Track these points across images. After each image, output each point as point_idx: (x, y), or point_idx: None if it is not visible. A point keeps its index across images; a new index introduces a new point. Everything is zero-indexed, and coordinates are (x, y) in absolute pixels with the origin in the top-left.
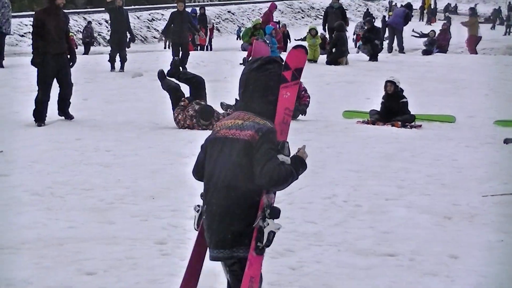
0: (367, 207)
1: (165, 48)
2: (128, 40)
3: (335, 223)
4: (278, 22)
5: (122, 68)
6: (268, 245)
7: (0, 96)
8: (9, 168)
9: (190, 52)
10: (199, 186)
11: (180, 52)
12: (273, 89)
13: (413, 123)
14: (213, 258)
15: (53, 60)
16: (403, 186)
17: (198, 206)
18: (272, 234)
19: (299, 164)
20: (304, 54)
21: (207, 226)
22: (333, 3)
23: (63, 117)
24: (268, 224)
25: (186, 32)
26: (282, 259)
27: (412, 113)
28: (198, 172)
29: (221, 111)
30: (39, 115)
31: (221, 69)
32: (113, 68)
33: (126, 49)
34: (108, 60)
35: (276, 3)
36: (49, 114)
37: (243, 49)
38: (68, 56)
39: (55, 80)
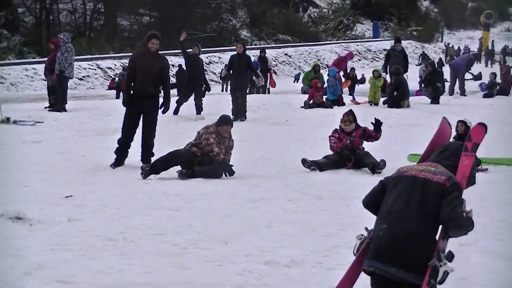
0: None
1: (222, 91)
2: (203, 89)
3: None
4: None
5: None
6: (441, 282)
7: (66, 140)
8: (80, 213)
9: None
10: (270, 232)
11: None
12: (457, 158)
13: (479, 167)
14: (383, 272)
15: (138, 103)
16: (476, 231)
17: (361, 235)
18: (446, 274)
19: (471, 221)
20: (484, 132)
21: (387, 246)
22: (395, 46)
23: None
24: (445, 264)
25: (246, 76)
26: None
27: (478, 156)
28: (372, 202)
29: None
30: (116, 157)
31: (282, 112)
32: (176, 112)
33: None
34: (176, 102)
35: (332, 45)
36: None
37: (303, 92)
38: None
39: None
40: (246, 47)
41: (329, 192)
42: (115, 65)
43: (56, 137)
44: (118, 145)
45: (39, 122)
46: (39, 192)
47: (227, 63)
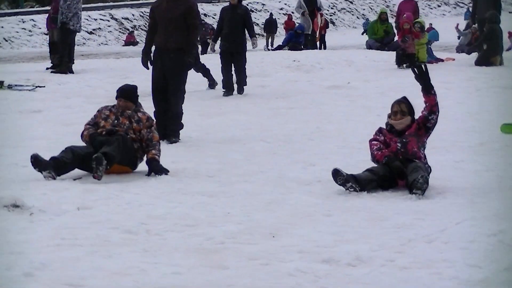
0: None
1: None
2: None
3: (505, 267)
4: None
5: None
6: None
7: (73, 108)
8: (92, 199)
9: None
10: (329, 222)
11: (233, 66)
12: None
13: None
14: None
15: (160, 60)
16: None
17: None
18: None
19: None
20: None
21: None
22: None
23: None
24: None
25: (240, 36)
26: None
27: None
28: None
29: None
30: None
31: (342, 73)
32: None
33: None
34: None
35: None
36: None
37: (369, 47)
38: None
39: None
40: None
41: None
42: (133, 15)
43: (61, 106)
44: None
45: (39, 86)
46: (41, 174)
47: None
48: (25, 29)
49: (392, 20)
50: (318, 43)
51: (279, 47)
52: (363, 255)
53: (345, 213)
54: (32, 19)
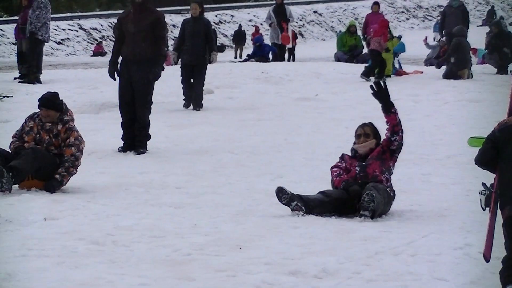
0: None
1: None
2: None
3: (471, 280)
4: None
5: None
6: None
7: None
8: (59, 210)
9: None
10: (296, 234)
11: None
12: None
13: None
14: None
15: (126, 70)
16: None
17: (484, 190)
18: None
19: None
20: None
21: None
22: (451, 2)
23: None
24: None
25: (202, 49)
26: None
27: None
28: (487, 161)
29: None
30: (123, 143)
31: (311, 85)
32: None
33: None
34: None
35: (371, 0)
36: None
37: (337, 59)
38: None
39: None
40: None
41: None
42: (101, 25)
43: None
44: (122, 130)
45: (7, 96)
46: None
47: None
48: None
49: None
50: (286, 55)
51: (247, 59)
52: (330, 267)
53: (312, 225)
54: (0, 29)
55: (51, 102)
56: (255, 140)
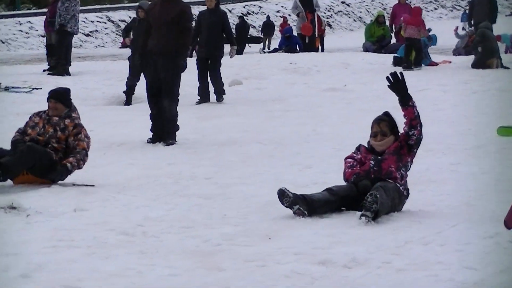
0: None
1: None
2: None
3: (501, 269)
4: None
5: None
6: None
7: None
8: (89, 201)
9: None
10: (325, 224)
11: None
12: None
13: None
14: None
15: (153, 63)
16: None
17: None
18: None
19: None
20: None
21: None
22: None
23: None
24: None
25: (217, 42)
26: None
27: None
28: None
29: None
30: (152, 134)
31: (339, 75)
32: None
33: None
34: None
35: None
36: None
37: (365, 49)
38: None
39: None
40: None
41: None
42: (129, 17)
43: None
44: (151, 121)
45: (36, 88)
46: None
47: None
48: (22, 31)
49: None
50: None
51: (275, 50)
52: (359, 257)
53: (341, 215)
54: (29, 21)
55: (62, 96)
56: (283, 131)
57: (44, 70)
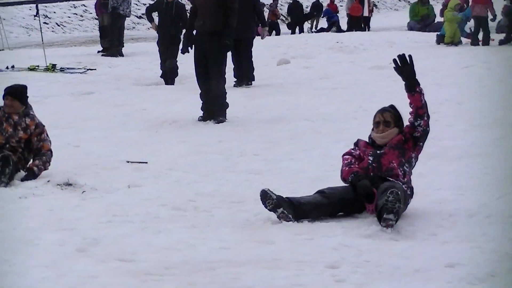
0: None
1: None
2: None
3: None
4: None
5: None
6: None
7: (123, 90)
8: (142, 177)
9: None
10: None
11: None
12: None
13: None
14: None
15: (199, 43)
16: None
17: None
18: None
19: None
20: None
21: None
22: None
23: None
24: None
25: (249, 23)
26: (483, 285)
27: None
28: None
29: None
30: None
31: (384, 53)
32: None
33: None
34: None
35: None
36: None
37: (410, 28)
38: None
39: None
40: None
41: (442, 150)
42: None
43: (111, 87)
44: (200, 100)
45: (90, 69)
46: (92, 154)
47: None
48: (76, 14)
49: (434, 2)
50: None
51: (321, 30)
52: (405, 230)
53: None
54: (83, 5)
55: (19, 93)
56: (330, 108)
57: (98, 52)
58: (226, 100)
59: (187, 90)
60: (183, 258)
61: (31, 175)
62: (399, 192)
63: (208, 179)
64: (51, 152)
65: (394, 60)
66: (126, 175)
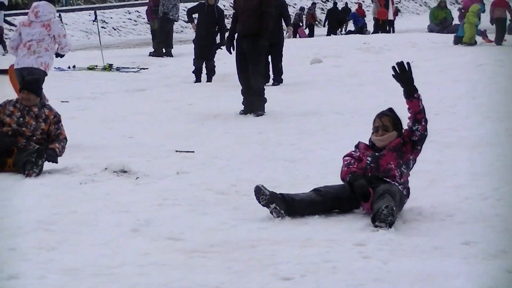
0: None
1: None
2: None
3: None
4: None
5: None
6: None
7: (172, 87)
8: (189, 165)
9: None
10: None
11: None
12: None
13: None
14: None
15: (239, 44)
16: None
17: None
18: None
19: None
20: None
21: None
22: None
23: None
24: None
25: (277, 26)
26: (496, 261)
27: None
28: None
29: None
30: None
31: (407, 53)
32: None
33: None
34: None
35: None
36: (230, 106)
37: (430, 30)
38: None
39: None
40: None
41: (458, 140)
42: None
43: (162, 85)
44: (242, 95)
45: (143, 68)
46: (145, 144)
47: None
48: (130, 19)
49: (451, 7)
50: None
51: (350, 32)
52: (425, 211)
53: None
54: (137, 10)
55: (34, 86)
56: (358, 102)
57: (150, 53)
58: (265, 96)
59: (229, 87)
60: (226, 237)
61: (54, 155)
62: (394, 208)
63: (249, 166)
64: (67, 139)
65: (393, 68)
66: (175, 163)
